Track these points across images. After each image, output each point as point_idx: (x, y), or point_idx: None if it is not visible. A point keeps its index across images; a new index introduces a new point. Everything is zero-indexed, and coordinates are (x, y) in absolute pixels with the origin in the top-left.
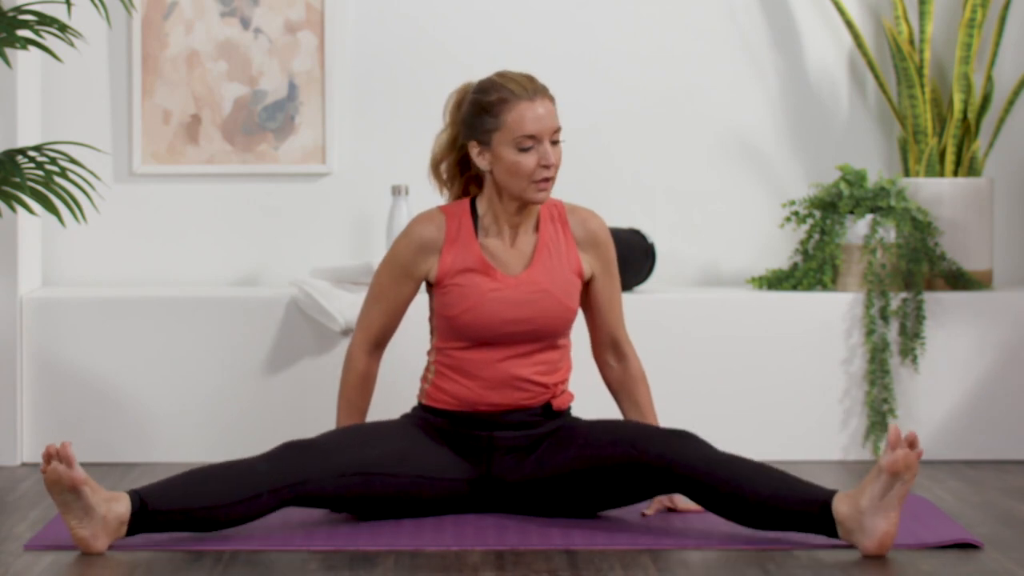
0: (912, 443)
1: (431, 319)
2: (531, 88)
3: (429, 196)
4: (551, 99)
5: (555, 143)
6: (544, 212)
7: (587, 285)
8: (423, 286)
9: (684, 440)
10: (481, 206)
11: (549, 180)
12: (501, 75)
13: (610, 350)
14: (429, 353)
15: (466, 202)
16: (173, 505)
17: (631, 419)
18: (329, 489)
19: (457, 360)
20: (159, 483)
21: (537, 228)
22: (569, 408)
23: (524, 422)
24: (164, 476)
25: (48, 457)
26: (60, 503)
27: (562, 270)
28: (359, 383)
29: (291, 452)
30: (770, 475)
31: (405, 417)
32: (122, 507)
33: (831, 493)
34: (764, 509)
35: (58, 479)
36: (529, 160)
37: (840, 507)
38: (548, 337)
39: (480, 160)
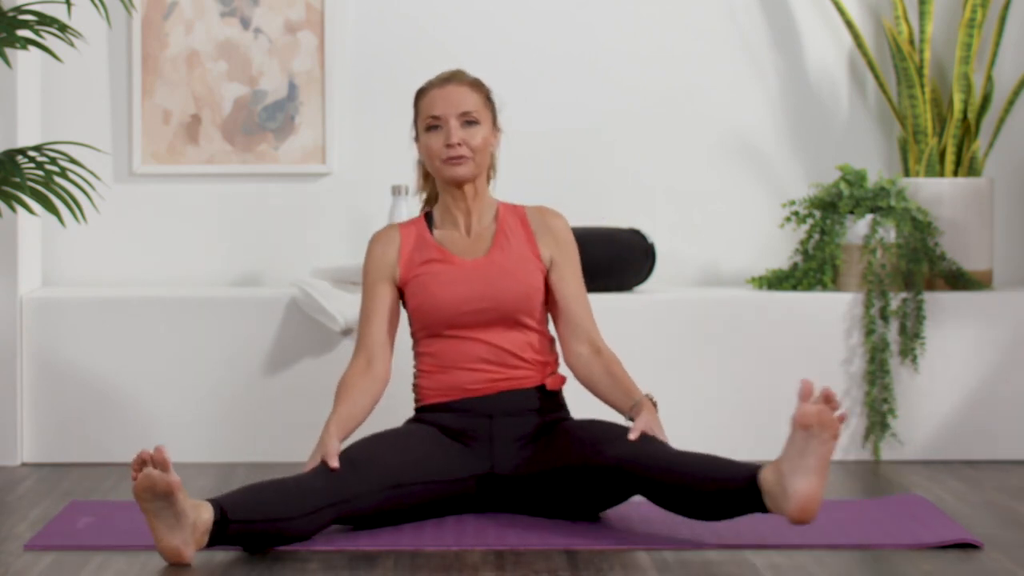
0: (828, 399)
1: (410, 324)
2: (445, 77)
3: None
4: (470, 85)
5: (469, 124)
6: (503, 209)
7: (548, 278)
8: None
9: (643, 441)
10: (436, 208)
11: (460, 158)
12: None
13: (585, 344)
14: (414, 361)
15: (420, 215)
16: (247, 516)
17: (613, 396)
18: (372, 505)
19: (435, 356)
20: (230, 494)
21: (497, 220)
22: (561, 392)
23: (521, 407)
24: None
25: (141, 463)
26: (150, 511)
27: (521, 252)
28: (342, 390)
29: (339, 469)
30: (706, 460)
31: (408, 422)
32: (207, 514)
33: (758, 466)
34: (699, 495)
35: (152, 485)
36: (435, 140)
37: (766, 476)
38: (513, 313)
39: (418, 153)
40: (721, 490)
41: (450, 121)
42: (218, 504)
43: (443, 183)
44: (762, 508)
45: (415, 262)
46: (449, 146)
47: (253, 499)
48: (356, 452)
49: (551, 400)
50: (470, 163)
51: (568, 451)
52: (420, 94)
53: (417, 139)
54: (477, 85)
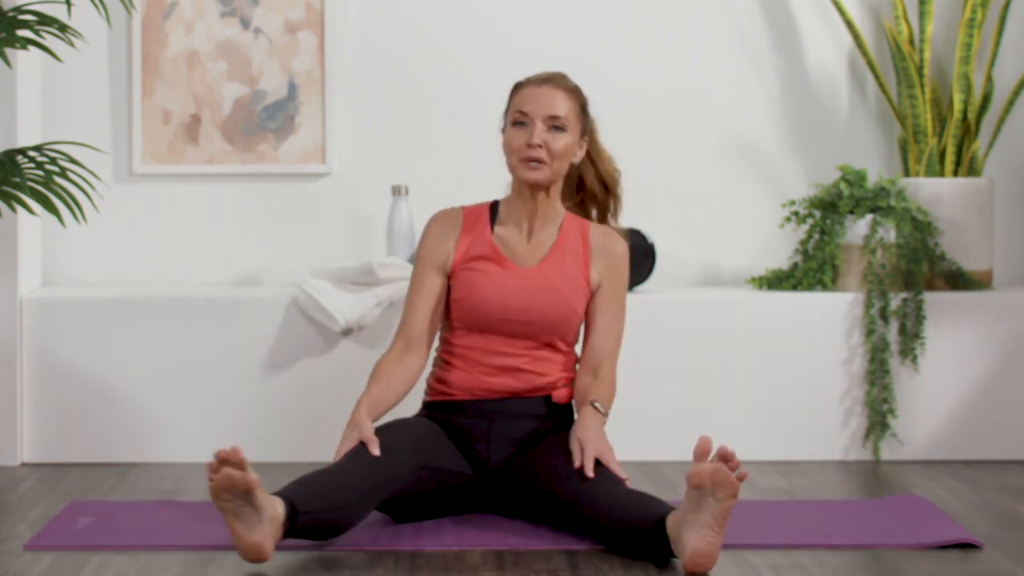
0: (726, 458)
1: (445, 310)
2: (545, 77)
3: (429, 196)
4: (567, 91)
5: (556, 129)
6: (568, 220)
7: (589, 300)
8: None
9: (596, 477)
10: (503, 200)
11: (539, 161)
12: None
13: (589, 375)
14: (436, 349)
15: (488, 202)
16: (313, 507)
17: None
18: (406, 486)
19: (459, 348)
20: (289, 488)
21: (559, 231)
22: (570, 404)
23: (522, 412)
24: (168, 477)
25: (219, 463)
26: (228, 510)
27: (574, 273)
28: (377, 372)
29: (371, 455)
30: (629, 498)
31: (416, 416)
32: (280, 508)
33: (669, 510)
34: (614, 533)
35: (231, 484)
36: (518, 136)
37: (669, 522)
38: (549, 333)
39: (502, 145)
40: (634, 530)
41: (536, 122)
42: (285, 497)
43: (515, 178)
44: (671, 551)
45: (469, 255)
46: (529, 146)
47: (311, 491)
48: (384, 436)
49: (555, 409)
50: (546, 169)
51: (543, 471)
52: (516, 87)
53: (503, 130)
54: (575, 92)
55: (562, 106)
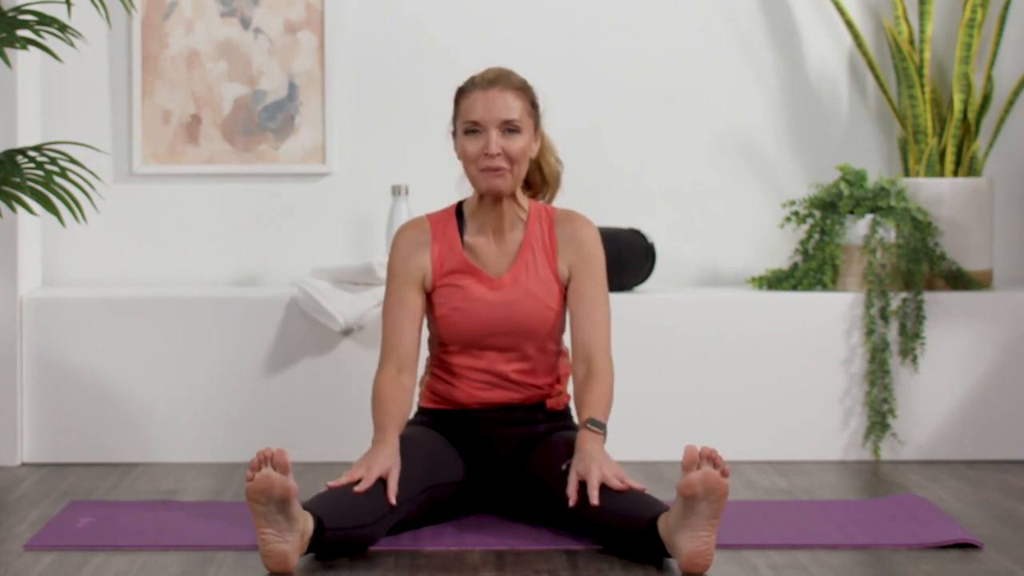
0: (713, 459)
1: (429, 325)
2: (490, 78)
3: (429, 196)
4: (514, 91)
5: (511, 131)
6: (534, 213)
7: (564, 290)
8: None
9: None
10: (467, 204)
11: (498, 170)
12: (484, 69)
13: (582, 364)
14: (427, 360)
15: (452, 207)
16: (338, 524)
17: (577, 413)
18: (416, 508)
19: (450, 364)
20: (316, 504)
21: (526, 228)
22: (567, 409)
23: (519, 419)
24: (168, 477)
25: (261, 462)
26: (261, 513)
27: (544, 271)
28: (383, 399)
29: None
30: (624, 498)
31: (410, 424)
32: (310, 524)
33: (663, 510)
34: (607, 532)
35: (269, 487)
36: (472, 145)
37: (660, 525)
38: (532, 338)
39: (454, 150)
40: (629, 530)
41: (491, 130)
42: (313, 512)
43: (475, 186)
44: (665, 552)
45: (444, 269)
46: (487, 155)
47: (334, 508)
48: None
49: (553, 415)
50: (508, 176)
51: (541, 472)
52: (462, 93)
53: (455, 135)
54: (523, 89)
55: (514, 107)
